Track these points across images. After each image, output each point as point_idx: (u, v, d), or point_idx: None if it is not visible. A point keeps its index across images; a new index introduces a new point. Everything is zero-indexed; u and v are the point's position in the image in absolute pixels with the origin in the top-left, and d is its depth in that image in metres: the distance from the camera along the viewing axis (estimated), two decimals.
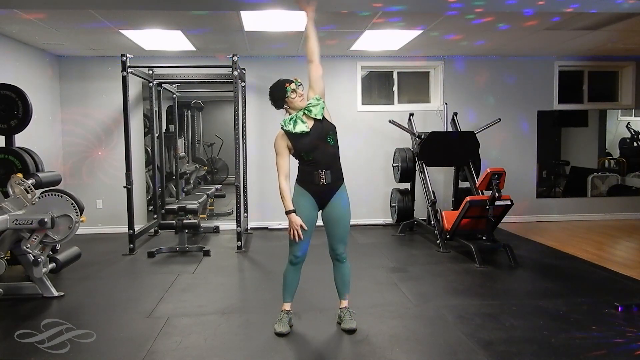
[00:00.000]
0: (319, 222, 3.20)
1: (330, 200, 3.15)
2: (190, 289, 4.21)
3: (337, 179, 3.16)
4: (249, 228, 6.65)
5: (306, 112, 3.07)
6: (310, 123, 3.07)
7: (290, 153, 3.12)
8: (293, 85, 3.04)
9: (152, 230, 6.45)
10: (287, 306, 3.28)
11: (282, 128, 3.09)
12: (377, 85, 7.26)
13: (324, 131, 3.09)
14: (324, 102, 3.12)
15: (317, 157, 3.09)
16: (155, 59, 6.42)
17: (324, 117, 3.11)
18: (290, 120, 3.06)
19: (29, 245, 3.89)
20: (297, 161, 3.19)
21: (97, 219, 6.45)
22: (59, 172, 5.02)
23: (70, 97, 6.55)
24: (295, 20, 4.88)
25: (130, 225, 5.50)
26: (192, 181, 8.63)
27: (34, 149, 4.60)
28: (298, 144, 3.06)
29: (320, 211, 3.20)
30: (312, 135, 3.06)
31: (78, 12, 4.56)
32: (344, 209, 3.18)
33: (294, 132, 3.03)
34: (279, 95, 3.06)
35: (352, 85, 6.86)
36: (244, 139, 6.38)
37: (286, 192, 3.09)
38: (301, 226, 3.07)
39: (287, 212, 3.09)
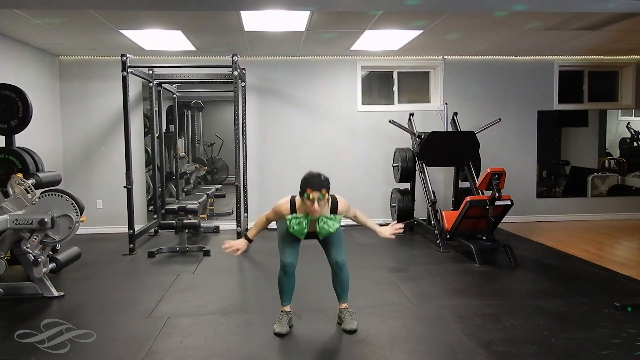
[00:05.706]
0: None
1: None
2: (190, 289, 4.21)
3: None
4: (249, 228, 6.62)
5: (312, 220, 3.08)
6: (310, 227, 3.11)
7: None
8: (314, 195, 2.95)
9: (152, 230, 6.45)
10: (286, 307, 3.29)
11: (289, 208, 3.12)
12: (377, 85, 7.26)
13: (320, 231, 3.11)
14: (340, 219, 3.17)
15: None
16: (155, 59, 6.43)
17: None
18: (295, 218, 3.08)
19: (29, 245, 3.89)
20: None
21: (97, 219, 6.44)
22: (59, 172, 5.01)
23: (70, 97, 6.55)
24: (295, 20, 4.87)
25: (130, 225, 5.51)
26: (192, 181, 8.62)
27: (34, 149, 4.60)
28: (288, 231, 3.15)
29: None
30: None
31: (78, 12, 4.56)
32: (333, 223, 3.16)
33: (288, 226, 3.10)
34: (301, 190, 3.00)
35: (352, 85, 6.85)
36: (244, 139, 6.37)
37: (259, 225, 3.29)
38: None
39: (245, 236, 3.28)
